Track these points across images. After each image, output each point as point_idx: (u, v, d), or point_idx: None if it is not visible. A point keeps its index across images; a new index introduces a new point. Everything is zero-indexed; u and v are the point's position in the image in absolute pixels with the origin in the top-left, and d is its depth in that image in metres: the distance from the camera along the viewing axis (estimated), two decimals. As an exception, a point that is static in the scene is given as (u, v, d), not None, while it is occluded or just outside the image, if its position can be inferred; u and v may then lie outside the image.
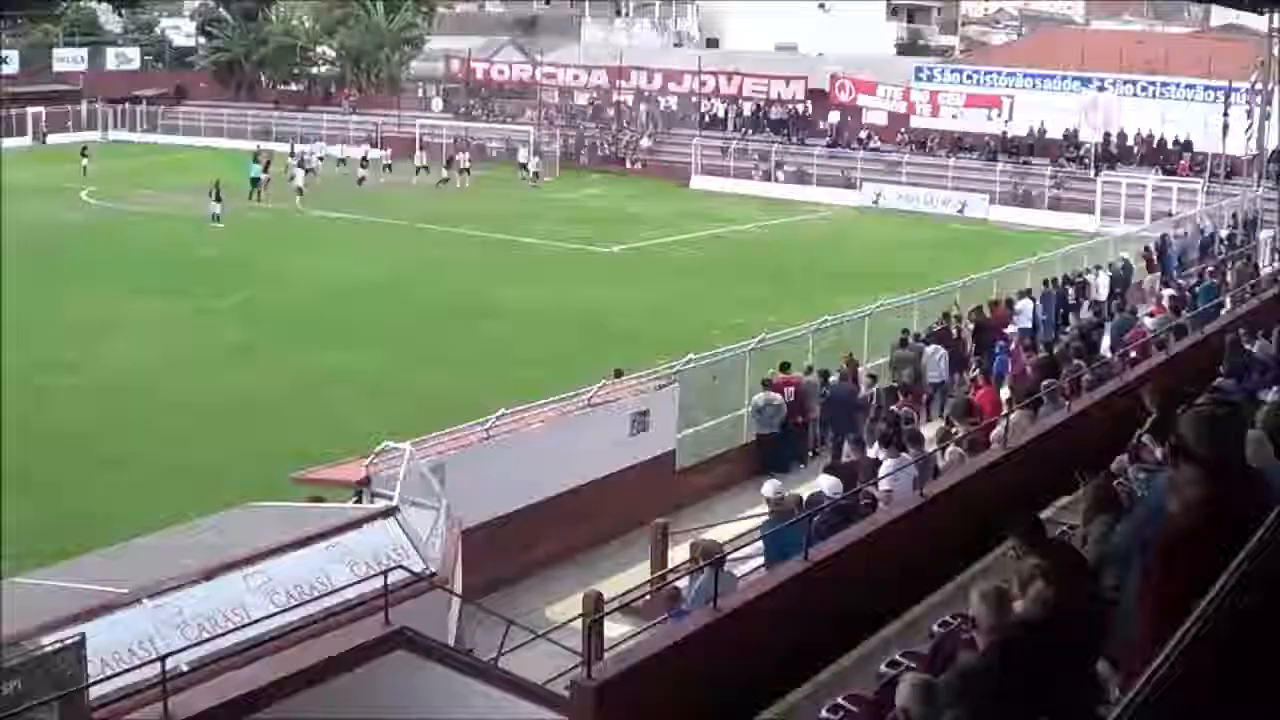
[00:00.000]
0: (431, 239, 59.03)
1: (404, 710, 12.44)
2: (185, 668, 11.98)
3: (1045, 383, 21.21)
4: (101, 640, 12.26)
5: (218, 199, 62.17)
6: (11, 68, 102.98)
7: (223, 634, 13.43)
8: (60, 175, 77.96)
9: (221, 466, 27.46)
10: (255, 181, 69.76)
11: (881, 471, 19.01)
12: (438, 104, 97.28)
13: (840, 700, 10.58)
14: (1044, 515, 13.12)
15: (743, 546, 18.58)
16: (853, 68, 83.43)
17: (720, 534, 19.72)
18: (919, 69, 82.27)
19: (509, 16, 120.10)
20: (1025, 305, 36.42)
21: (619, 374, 27.66)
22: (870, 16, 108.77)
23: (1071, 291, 39.26)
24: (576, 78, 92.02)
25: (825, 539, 14.03)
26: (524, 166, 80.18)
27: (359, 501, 19.20)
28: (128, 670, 12.22)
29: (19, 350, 37.71)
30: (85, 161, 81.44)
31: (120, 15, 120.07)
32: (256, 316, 43.47)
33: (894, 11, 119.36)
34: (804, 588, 12.71)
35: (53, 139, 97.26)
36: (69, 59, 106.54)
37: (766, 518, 19.02)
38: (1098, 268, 42.82)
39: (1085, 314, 35.46)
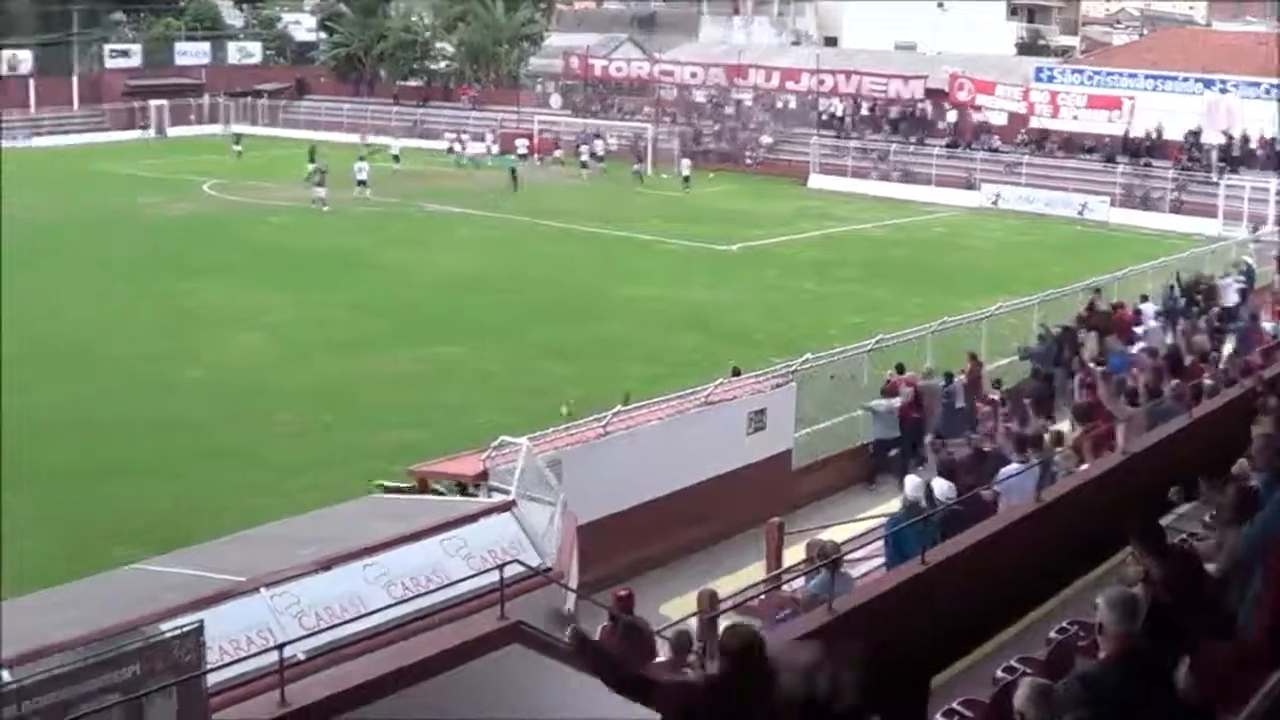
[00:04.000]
0: (549, 235, 59.19)
1: (518, 704, 12.39)
2: (302, 657, 12.02)
3: (1170, 386, 20.95)
4: (220, 627, 12.32)
5: (320, 184, 64.24)
6: (135, 61, 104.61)
7: (339, 624, 13.46)
8: (181, 167, 79.04)
9: (338, 458, 27.62)
10: (514, 173, 74.13)
11: (1002, 475, 18.81)
12: (556, 100, 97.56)
13: (955, 705, 10.45)
14: (1164, 521, 12.92)
15: (860, 547, 18.41)
16: (972, 67, 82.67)
17: (836, 534, 19.55)
18: (1039, 69, 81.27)
19: (627, 14, 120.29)
20: (1148, 309, 35.93)
21: (736, 372, 27.55)
22: (990, 16, 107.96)
23: (1196, 296, 38.65)
24: (694, 75, 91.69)
25: (941, 542, 13.90)
26: (588, 161, 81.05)
27: (464, 495, 19.25)
28: (245, 658, 12.27)
29: (142, 342, 38.34)
30: (238, 148, 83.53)
31: (242, 10, 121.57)
32: (372, 310, 43.70)
33: (1014, 11, 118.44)
34: (920, 590, 12.58)
35: (174, 132, 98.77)
36: (191, 53, 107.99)
37: (888, 518, 18.90)
38: (1225, 273, 42.13)
39: (1210, 319, 34.91)
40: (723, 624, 12.90)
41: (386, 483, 23.18)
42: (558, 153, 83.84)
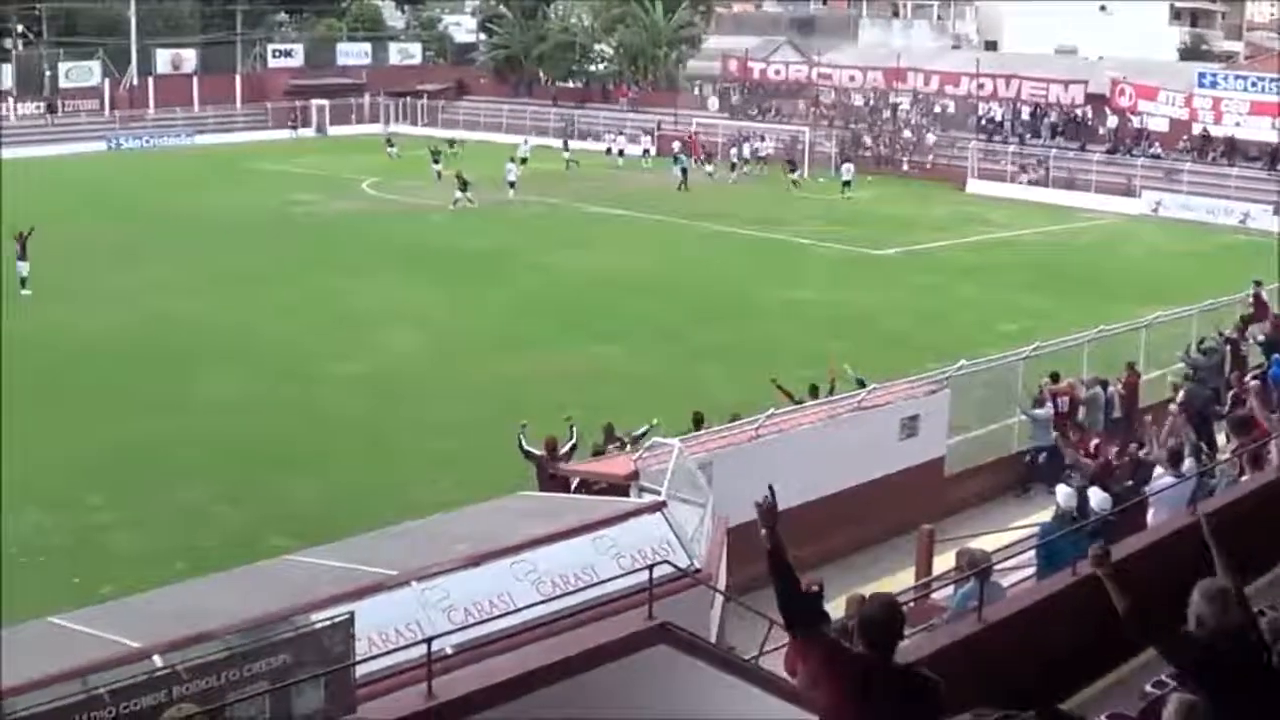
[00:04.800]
0: (705, 236, 59.22)
1: (664, 704, 12.40)
2: (450, 651, 12.09)
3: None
4: (370, 620, 12.43)
5: (463, 188, 64.71)
6: (297, 61, 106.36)
7: (488, 620, 13.55)
8: (343, 166, 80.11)
9: (489, 455, 27.71)
10: (685, 173, 74.92)
11: (1157, 486, 18.51)
12: (713, 103, 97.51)
13: (1103, 718, 10.31)
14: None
15: (1011, 557, 18.22)
16: (1133, 72, 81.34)
17: (988, 543, 19.35)
18: (1202, 75, 79.38)
19: (786, 16, 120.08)
20: (1310, 322, 35.18)
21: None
22: (1152, 20, 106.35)
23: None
24: (852, 79, 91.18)
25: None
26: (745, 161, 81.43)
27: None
28: (394, 650, 12.39)
29: (301, 338, 38.94)
30: (393, 149, 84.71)
31: (403, 11, 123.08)
32: (528, 309, 44.01)
33: (1177, 15, 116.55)
34: (1070, 602, 12.42)
35: (334, 131, 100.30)
36: (353, 54, 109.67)
37: (1039, 527, 18.68)
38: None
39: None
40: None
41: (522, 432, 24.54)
42: (713, 161, 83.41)
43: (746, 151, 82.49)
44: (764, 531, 8.11)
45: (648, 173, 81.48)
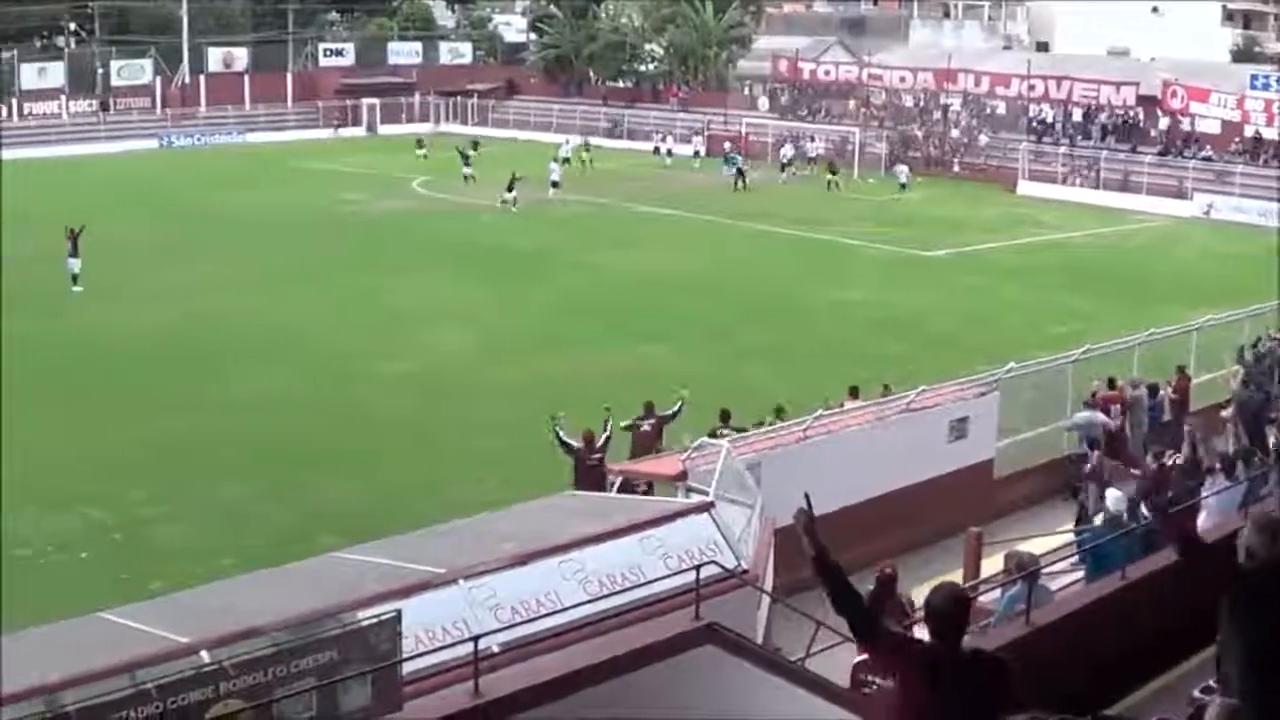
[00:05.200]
0: (751, 236, 59.13)
1: (710, 705, 12.39)
2: (496, 649, 12.10)
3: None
4: (417, 618, 12.45)
5: (509, 188, 64.43)
6: (348, 60, 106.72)
7: (535, 619, 13.56)
8: (393, 165, 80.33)
9: (535, 454, 27.71)
10: (740, 173, 74.98)
11: (1207, 491, 18.40)
12: (764, 103, 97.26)
13: (1149, 723, 10.28)
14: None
15: (1060, 560, 18.13)
16: (1185, 73, 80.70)
17: (1036, 546, 19.25)
18: (1254, 76, 78.77)
19: (836, 17, 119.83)
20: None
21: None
22: (1205, 22, 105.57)
23: None
24: (903, 79, 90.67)
25: (1143, 557, 13.65)
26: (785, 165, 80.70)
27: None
28: (440, 648, 12.40)
29: (348, 336, 39.06)
30: (422, 151, 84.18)
31: (453, 11, 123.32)
32: (575, 308, 44.03)
33: (1229, 17, 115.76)
34: (1118, 606, 12.36)
35: (384, 129, 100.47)
36: (403, 53, 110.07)
37: (1088, 531, 18.58)
38: None
39: None
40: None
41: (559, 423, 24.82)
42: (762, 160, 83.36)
43: (791, 152, 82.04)
44: (805, 540, 8.09)
45: (697, 173, 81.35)
